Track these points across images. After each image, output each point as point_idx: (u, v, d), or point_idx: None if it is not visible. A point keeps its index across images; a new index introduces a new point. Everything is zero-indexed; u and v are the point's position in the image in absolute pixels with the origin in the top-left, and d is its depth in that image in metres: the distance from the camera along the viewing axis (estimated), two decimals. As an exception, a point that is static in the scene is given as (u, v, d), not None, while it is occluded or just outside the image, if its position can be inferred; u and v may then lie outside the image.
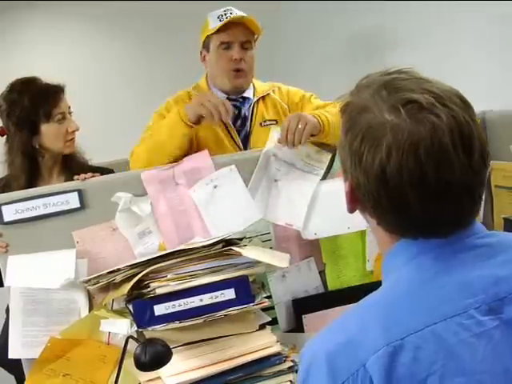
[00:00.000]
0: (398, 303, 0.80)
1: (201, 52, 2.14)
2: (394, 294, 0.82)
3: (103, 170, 1.95)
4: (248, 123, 2.11)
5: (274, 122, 2.09)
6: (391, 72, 0.85)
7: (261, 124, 2.11)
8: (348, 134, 0.83)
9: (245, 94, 2.14)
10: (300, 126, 1.71)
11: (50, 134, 2.00)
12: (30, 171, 2.01)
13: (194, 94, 2.09)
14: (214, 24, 2.05)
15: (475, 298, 0.78)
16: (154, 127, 1.94)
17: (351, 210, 0.89)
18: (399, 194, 0.78)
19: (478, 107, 0.98)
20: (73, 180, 1.70)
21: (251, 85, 2.17)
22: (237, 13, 2.06)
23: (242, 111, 2.12)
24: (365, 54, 4.14)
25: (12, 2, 4.37)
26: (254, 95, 2.16)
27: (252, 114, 2.12)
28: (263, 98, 2.14)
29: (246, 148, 2.06)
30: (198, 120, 1.78)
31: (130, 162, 1.94)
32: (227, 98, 2.12)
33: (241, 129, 2.09)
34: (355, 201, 0.87)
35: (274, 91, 2.16)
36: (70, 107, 2.06)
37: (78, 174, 1.70)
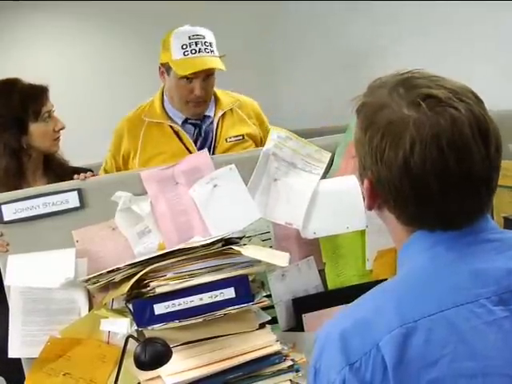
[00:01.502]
0: (412, 288, 0.82)
1: (159, 67, 2.09)
2: (409, 279, 0.84)
3: (83, 171, 1.89)
4: (211, 139, 2.09)
5: (240, 138, 2.10)
6: (403, 73, 0.88)
7: (226, 140, 2.10)
8: (367, 131, 0.85)
9: (205, 113, 2.11)
10: None
11: (38, 133, 1.99)
12: (15, 174, 2.00)
13: (142, 118, 2.11)
14: (177, 53, 1.97)
15: (487, 289, 0.80)
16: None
17: (370, 207, 0.91)
18: (422, 183, 0.81)
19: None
20: (55, 181, 1.69)
21: (212, 99, 2.12)
22: (202, 47, 1.95)
23: (203, 128, 2.10)
24: (361, 58, 4.15)
25: (10, 2, 4.36)
26: (216, 107, 2.13)
27: (216, 129, 2.10)
28: (227, 112, 2.13)
29: None
30: None
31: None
32: (185, 119, 2.11)
33: (202, 146, 2.07)
34: (375, 196, 0.88)
35: (235, 105, 2.16)
36: (53, 106, 2.05)
37: (60, 176, 1.70)
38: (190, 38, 1.97)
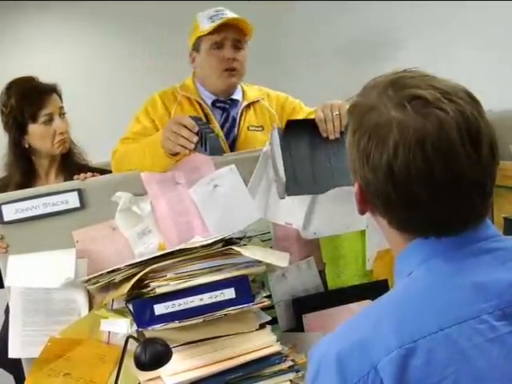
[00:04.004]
0: (411, 304, 0.79)
1: (190, 54, 2.12)
2: (407, 295, 0.81)
3: (103, 172, 1.91)
4: (236, 127, 2.09)
5: (260, 129, 2.09)
6: (397, 72, 0.85)
7: (248, 128, 2.09)
8: (356, 133, 0.83)
9: (233, 97, 2.11)
10: (336, 113, 1.69)
11: (36, 135, 1.99)
12: (25, 171, 2.00)
13: (178, 93, 2.08)
14: (204, 25, 2.02)
15: (489, 303, 0.76)
16: (139, 144, 1.82)
17: (362, 212, 0.88)
18: (408, 190, 0.78)
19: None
20: (71, 180, 1.69)
21: (239, 87, 2.14)
22: (228, 14, 2.02)
23: (231, 114, 2.10)
24: (365, 54, 4.14)
25: (12, 2, 4.37)
26: (243, 98, 2.13)
27: (240, 118, 2.10)
28: (253, 103, 2.12)
29: (232, 151, 2.02)
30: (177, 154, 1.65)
31: (113, 161, 1.91)
32: (215, 100, 2.10)
33: (229, 132, 2.08)
34: (365, 201, 0.86)
35: (263, 98, 2.15)
36: (61, 108, 2.03)
37: (78, 175, 1.70)
38: (216, 11, 2.03)
